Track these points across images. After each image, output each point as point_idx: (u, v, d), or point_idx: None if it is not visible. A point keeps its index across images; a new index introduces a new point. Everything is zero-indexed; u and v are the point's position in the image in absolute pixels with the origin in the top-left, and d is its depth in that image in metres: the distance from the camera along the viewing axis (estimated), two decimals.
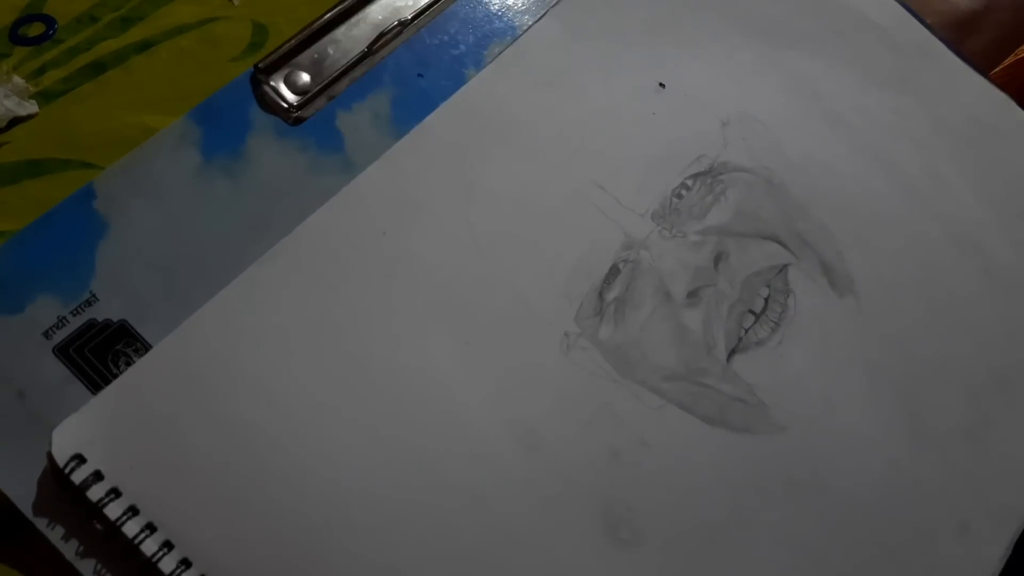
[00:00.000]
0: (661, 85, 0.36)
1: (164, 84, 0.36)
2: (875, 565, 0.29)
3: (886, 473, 0.30)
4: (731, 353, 0.31)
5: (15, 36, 0.37)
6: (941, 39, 0.40)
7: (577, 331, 0.30)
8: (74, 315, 0.27)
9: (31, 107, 0.35)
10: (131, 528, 0.25)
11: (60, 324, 0.27)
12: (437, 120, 0.33)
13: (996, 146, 0.38)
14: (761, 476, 0.29)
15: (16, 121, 0.35)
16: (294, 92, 0.32)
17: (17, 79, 0.35)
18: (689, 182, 0.34)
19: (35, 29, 0.37)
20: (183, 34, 0.37)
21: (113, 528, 0.25)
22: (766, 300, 0.32)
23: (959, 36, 0.45)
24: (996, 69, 0.44)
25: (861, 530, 0.29)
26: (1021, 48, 0.44)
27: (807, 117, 0.36)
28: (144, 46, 0.37)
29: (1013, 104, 0.39)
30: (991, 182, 0.37)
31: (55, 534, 0.25)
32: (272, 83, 0.32)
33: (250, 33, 0.38)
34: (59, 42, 0.37)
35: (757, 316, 0.32)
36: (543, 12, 0.36)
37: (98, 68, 0.36)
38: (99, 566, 0.25)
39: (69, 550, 0.25)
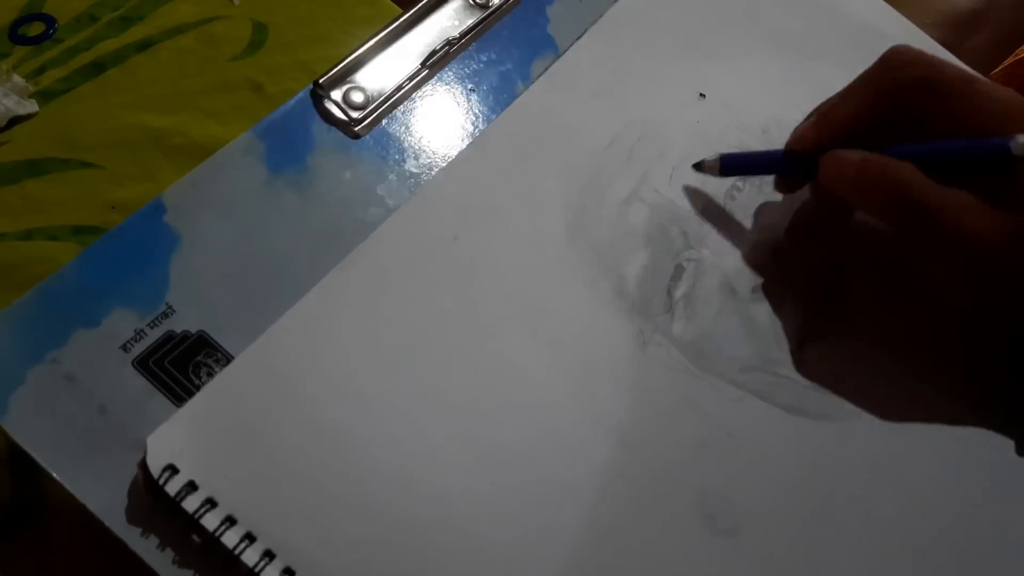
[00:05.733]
0: (701, 95, 0.37)
1: (164, 83, 0.36)
2: (962, 540, 0.29)
3: (960, 451, 0.30)
4: (801, 343, 0.31)
5: (15, 35, 0.36)
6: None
7: (651, 327, 0.30)
8: (151, 327, 0.27)
9: (31, 106, 0.35)
10: (230, 538, 0.24)
11: (138, 337, 0.27)
12: (496, 130, 0.33)
13: None
14: (845, 461, 0.29)
15: (16, 120, 0.35)
16: (352, 108, 0.32)
17: (17, 78, 0.35)
18: (740, 184, 0.34)
19: (35, 28, 0.37)
20: (183, 33, 0.37)
21: (211, 539, 0.23)
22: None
23: (959, 36, 0.47)
24: (996, 69, 0.46)
25: (944, 508, 0.29)
26: (1021, 48, 0.46)
27: None
28: (144, 45, 0.37)
29: None
30: None
31: (147, 546, 0.24)
32: (334, 98, 0.32)
33: (250, 32, 0.38)
34: (59, 41, 0.37)
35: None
36: (582, 30, 0.37)
37: (98, 67, 0.36)
38: None
39: (163, 562, 0.23)
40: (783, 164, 0.32)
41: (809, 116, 0.32)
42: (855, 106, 0.30)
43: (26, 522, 0.28)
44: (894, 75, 0.29)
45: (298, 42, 0.38)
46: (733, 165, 0.33)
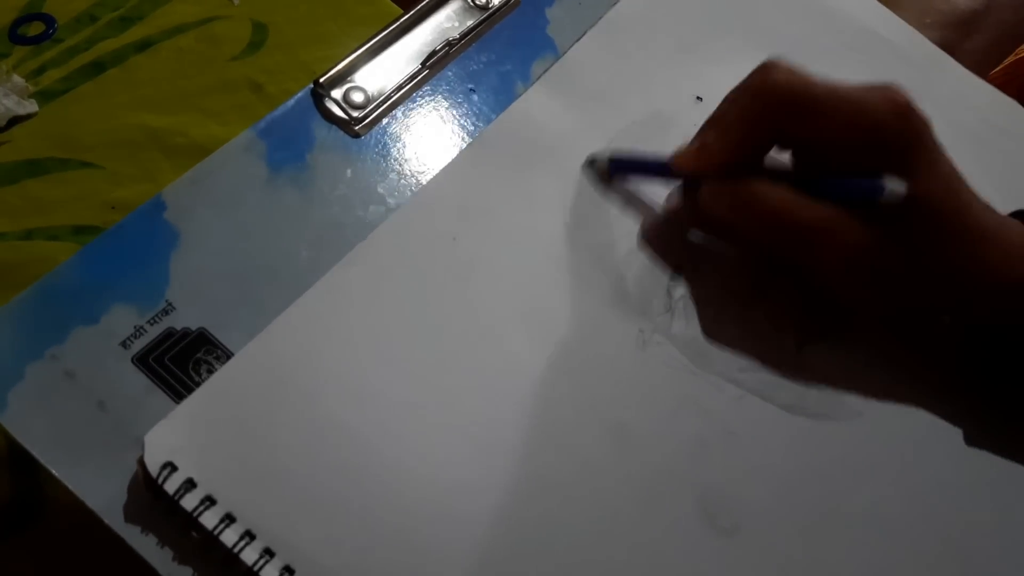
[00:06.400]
0: (698, 99, 0.37)
1: (163, 83, 0.36)
2: (962, 538, 0.29)
3: (960, 450, 0.30)
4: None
5: (15, 35, 0.37)
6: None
7: (651, 327, 0.30)
8: (151, 324, 0.27)
9: (30, 106, 0.35)
10: (229, 536, 0.23)
11: (137, 334, 0.26)
12: (495, 131, 0.33)
13: (1009, 147, 0.40)
14: (846, 460, 0.29)
15: (15, 120, 0.35)
16: (352, 107, 0.32)
17: (16, 78, 0.35)
18: None
19: (35, 28, 0.37)
20: (182, 33, 0.38)
21: (210, 537, 0.23)
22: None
23: (959, 36, 0.47)
24: (996, 69, 0.46)
25: (944, 506, 0.29)
26: (1021, 48, 0.46)
27: None
28: (143, 45, 0.37)
29: (1019, 107, 0.41)
30: (1013, 182, 0.38)
31: (147, 544, 0.23)
32: (334, 97, 0.32)
33: (249, 32, 0.38)
34: (58, 41, 0.37)
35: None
36: (582, 32, 0.38)
37: (97, 67, 0.36)
38: None
39: (163, 560, 0.23)
40: (668, 174, 0.33)
41: (693, 140, 0.32)
42: (731, 140, 0.30)
43: (26, 522, 0.28)
44: (762, 103, 0.30)
45: (298, 42, 0.38)
46: (621, 167, 0.33)
